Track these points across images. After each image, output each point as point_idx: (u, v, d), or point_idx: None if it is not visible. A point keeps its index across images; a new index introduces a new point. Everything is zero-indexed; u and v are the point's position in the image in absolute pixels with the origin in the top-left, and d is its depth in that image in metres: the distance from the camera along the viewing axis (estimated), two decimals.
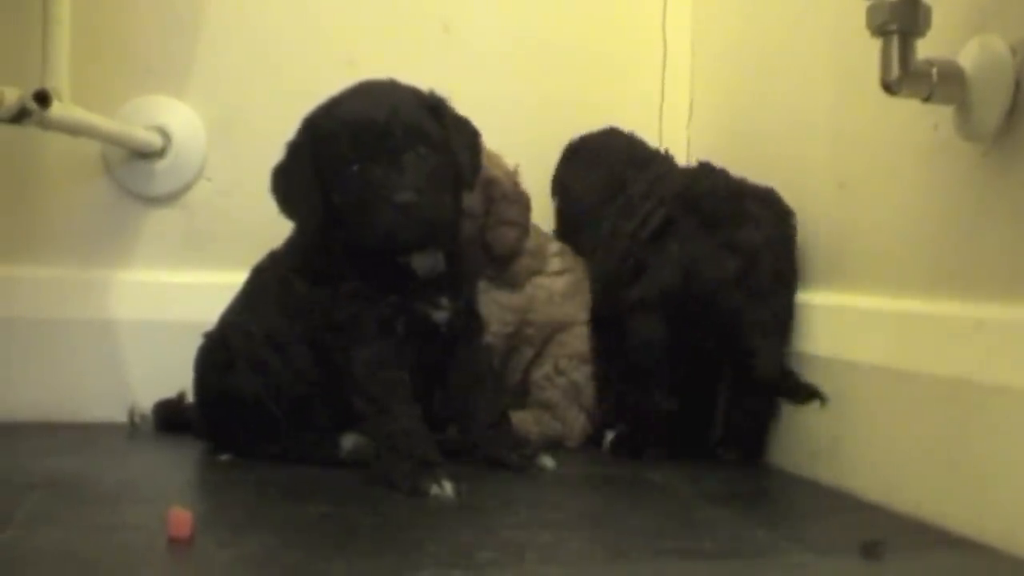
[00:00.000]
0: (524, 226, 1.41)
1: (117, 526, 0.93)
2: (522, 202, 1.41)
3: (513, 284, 1.41)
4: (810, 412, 1.21)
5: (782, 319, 1.25)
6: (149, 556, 0.86)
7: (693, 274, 1.25)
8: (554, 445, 1.37)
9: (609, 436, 1.34)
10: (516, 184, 1.41)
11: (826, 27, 1.27)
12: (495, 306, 1.39)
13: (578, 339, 1.41)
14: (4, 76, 1.23)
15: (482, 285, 1.38)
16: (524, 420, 1.38)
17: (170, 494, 1.07)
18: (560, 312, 1.42)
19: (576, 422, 1.39)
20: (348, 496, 1.12)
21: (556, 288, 1.43)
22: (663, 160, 1.50)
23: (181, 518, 0.89)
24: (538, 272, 1.43)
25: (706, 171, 1.36)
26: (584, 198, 1.47)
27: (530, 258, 1.43)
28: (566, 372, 1.40)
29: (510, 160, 1.45)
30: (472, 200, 1.34)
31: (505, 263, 1.41)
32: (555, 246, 1.47)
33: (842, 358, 1.16)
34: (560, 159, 1.54)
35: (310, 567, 0.85)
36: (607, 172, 1.46)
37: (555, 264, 1.45)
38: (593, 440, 1.39)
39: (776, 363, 1.22)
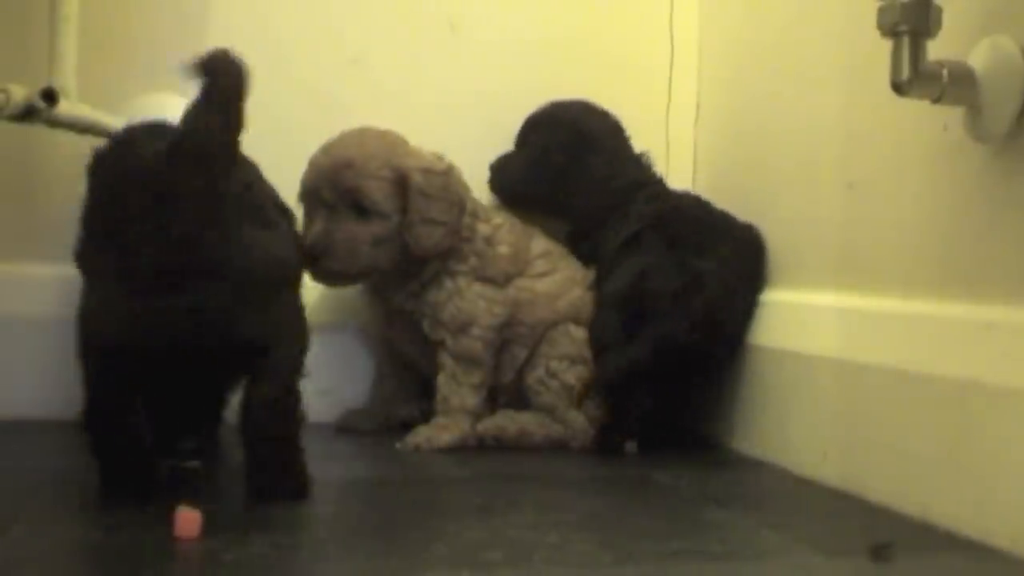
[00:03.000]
0: (450, 224, 1.35)
1: (124, 525, 0.93)
2: (448, 200, 1.34)
3: (495, 283, 1.40)
4: (818, 413, 1.21)
5: (684, 348, 1.30)
6: (156, 556, 0.86)
7: (642, 280, 1.32)
8: (559, 447, 1.37)
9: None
10: (441, 179, 1.35)
11: (835, 27, 1.27)
12: (482, 301, 1.38)
13: (567, 339, 1.41)
14: (11, 74, 1.23)
15: (462, 281, 1.38)
16: (528, 423, 1.39)
17: (176, 493, 1.06)
18: (548, 312, 1.42)
19: (576, 422, 1.39)
20: (354, 496, 1.12)
21: (539, 290, 1.42)
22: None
23: (189, 518, 0.89)
24: (518, 275, 1.42)
25: (693, 201, 1.43)
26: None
27: (507, 262, 1.41)
28: (557, 374, 1.40)
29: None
30: (374, 197, 1.32)
31: (466, 249, 1.38)
32: (540, 246, 1.45)
33: (850, 359, 1.16)
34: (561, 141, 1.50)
35: (317, 567, 0.85)
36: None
37: (538, 266, 1.43)
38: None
39: (613, 371, 1.32)
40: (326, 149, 1.35)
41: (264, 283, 1.01)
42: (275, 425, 1.02)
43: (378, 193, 1.32)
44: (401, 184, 1.33)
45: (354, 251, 1.32)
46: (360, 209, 1.32)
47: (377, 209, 1.32)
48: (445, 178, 1.36)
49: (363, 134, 1.36)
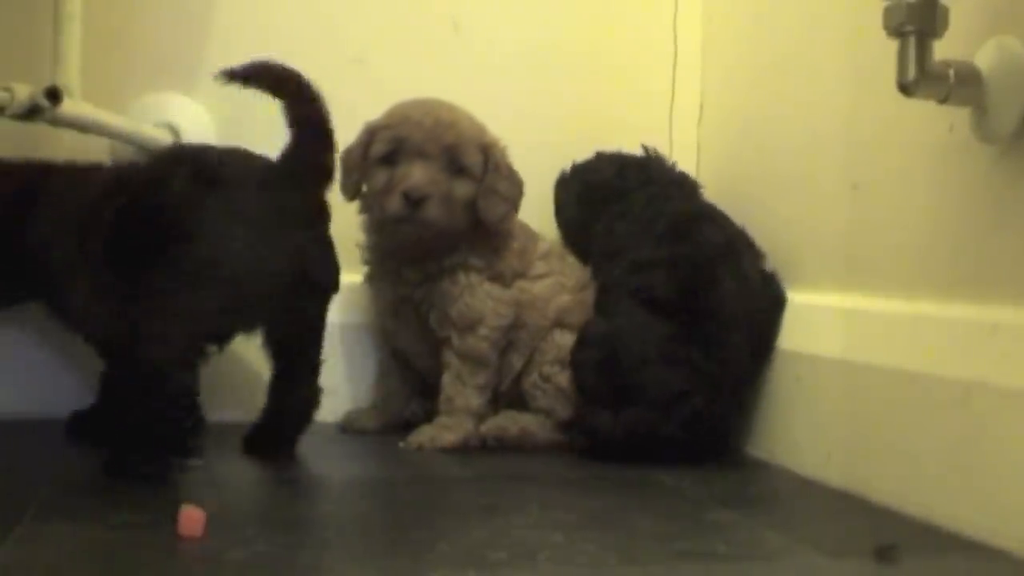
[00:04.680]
0: (514, 204, 1.40)
1: (129, 524, 0.93)
2: (514, 180, 1.40)
3: (503, 281, 1.40)
4: (821, 414, 1.21)
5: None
6: (160, 554, 0.86)
7: (645, 365, 1.27)
8: (561, 448, 1.37)
9: None
10: (507, 158, 1.40)
11: (840, 26, 1.27)
12: (490, 300, 1.39)
13: (553, 344, 1.41)
14: (15, 72, 1.23)
15: (475, 278, 1.38)
16: (530, 423, 1.39)
17: (181, 493, 1.06)
18: (542, 316, 1.42)
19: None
20: (357, 495, 1.12)
21: (535, 292, 1.42)
22: (658, 166, 1.49)
23: (193, 517, 0.89)
24: (522, 275, 1.42)
25: (728, 254, 1.33)
26: (575, 215, 1.49)
27: (516, 258, 1.42)
28: (551, 378, 1.40)
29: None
30: (472, 159, 1.36)
31: (486, 244, 1.39)
32: (543, 248, 1.46)
33: (855, 360, 1.16)
34: (554, 189, 1.54)
35: (322, 567, 0.84)
36: (597, 184, 1.47)
37: (539, 268, 1.44)
38: None
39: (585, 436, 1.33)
40: (425, 111, 1.35)
41: (334, 290, 1.24)
42: (309, 413, 1.27)
43: (475, 156, 1.36)
44: (484, 154, 1.37)
45: (450, 205, 1.34)
46: (458, 167, 1.35)
47: (473, 171, 1.36)
48: (509, 159, 1.40)
49: (447, 103, 1.39)
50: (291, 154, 1.17)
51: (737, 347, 1.29)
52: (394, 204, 1.32)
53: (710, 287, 1.30)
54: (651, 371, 1.26)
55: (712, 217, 1.39)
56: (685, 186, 1.48)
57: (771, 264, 1.37)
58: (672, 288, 1.30)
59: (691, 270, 1.31)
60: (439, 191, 1.33)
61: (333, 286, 1.23)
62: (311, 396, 1.27)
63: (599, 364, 1.30)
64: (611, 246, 1.42)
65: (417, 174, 1.32)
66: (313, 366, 1.27)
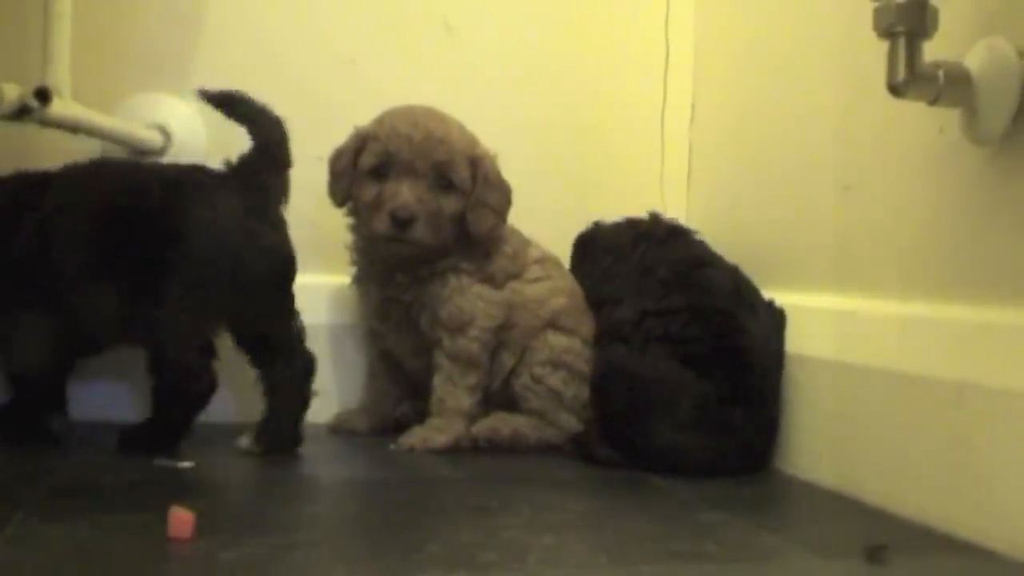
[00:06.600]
0: (502, 215, 1.40)
1: (118, 525, 0.93)
2: (502, 191, 1.39)
3: (493, 283, 1.41)
4: (814, 416, 1.21)
5: None
6: (149, 556, 0.85)
7: (676, 431, 1.23)
8: (553, 449, 1.37)
9: None
10: (497, 168, 1.40)
11: (831, 28, 1.27)
12: (480, 301, 1.39)
13: (546, 345, 1.41)
14: (4, 72, 1.22)
15: (465, 280, 1.38)
16: (522, 424, 1.39)
17: (171, 494, 1.06)
18: (534, 317, 1.42)
19: (568, 425, 1.39)
20: (348, 496, 1.12)
21: (529, 294, 1.42)
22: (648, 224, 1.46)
23: (182, 518, 0.88)
24: (515, 276, 1.43)
25: (741, 302, 1.29)
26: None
27: (508, 261, 1.42)
28: (542, 379, 1.40)
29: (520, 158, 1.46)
30: (462, 174, 1.36)
31: (477, 249, 1.39)
32: (536, 253, 1.46)
33: (846, 361, 1.16)
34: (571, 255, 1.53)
35: (313, 568, 0.84)
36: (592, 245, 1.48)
37: (533, 271, 1.44)
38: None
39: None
40: (413, 123, 1.35)
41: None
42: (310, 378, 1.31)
43: (464, 171, 1.36)
44: (473, 167, 1.37)
45: (438, 223, 1.35)
46: (447, 184, 1.35)
47: (462, 186, 1.36)
48: (498, 169, 1.40)
49: (438, 113, 1.38)
50: (253, 154, 1.27)
51: (774, 396, 1.26)
52: (382, 223, 1.33)
53: (739, 334, 1.25)
54: (685, 437, 1.22)
55: (711, 262, 1.35)
56: (678, 236, 1.43)
57: (759, 273, 1.36)
58: (699, 336, 1.25)
59: (718, 316, 1.26)
60: (426, 210, 1.33)
61: (295, 262, 1.29)
62: (308, 364, 1.30)
63: (626, 408, 1.26)
64: (604, 294, 1.40)
65: (405, 193, 1.32)
66: (298, 338, 1.29)
